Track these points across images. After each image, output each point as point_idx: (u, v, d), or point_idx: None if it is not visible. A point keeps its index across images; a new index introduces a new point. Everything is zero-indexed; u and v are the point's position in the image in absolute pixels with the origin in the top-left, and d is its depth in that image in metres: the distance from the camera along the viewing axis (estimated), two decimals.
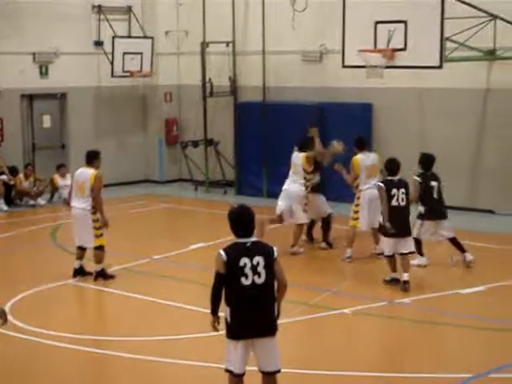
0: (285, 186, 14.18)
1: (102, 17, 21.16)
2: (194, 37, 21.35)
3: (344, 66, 15.56)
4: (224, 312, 7.22)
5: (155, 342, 9.96)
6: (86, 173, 12.49)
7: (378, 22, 14.62)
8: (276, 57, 19.88)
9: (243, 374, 7.27)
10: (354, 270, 13.36)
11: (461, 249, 13.08)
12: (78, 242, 12.70)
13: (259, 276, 7.11)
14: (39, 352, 9.73)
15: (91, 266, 12.67)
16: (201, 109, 20.95)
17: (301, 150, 14.13)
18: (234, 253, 7.14)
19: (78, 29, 20.85)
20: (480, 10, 15.18)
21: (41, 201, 19.22)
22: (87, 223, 12.42)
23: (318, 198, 14.44)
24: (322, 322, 10.86)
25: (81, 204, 12.46)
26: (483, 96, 17.13)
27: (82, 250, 12.69)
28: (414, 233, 12.47)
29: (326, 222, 14.59)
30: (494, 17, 15.54)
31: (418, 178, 12.82)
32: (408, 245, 11.94)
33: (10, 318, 10.33)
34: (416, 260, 12.90)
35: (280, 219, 14.20)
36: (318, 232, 14.79)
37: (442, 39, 14.10)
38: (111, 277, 12.66)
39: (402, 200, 11.88)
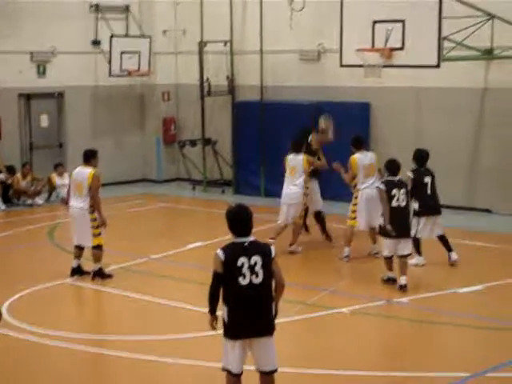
0: (285, 191, 14.15)
1: (100, 16, 21.17)
2: (191, 36, 21.36)
3: (342, 66, 15.55)
4: (222, 311, 7.23)
5: (153, 341, 9.96)
6: (84, 172, 12.49)
7: (375, 22, 14.62)
8: (274, 56, 19.88)
9: (241, 374, 7.27)
10: (351, 270, 13.36)
11: (447, 247, 13.12)
12: (75, 241, 12.69)
13: (257, 276, 7.11)
14: (37, 351, 9.72)
15: (89, 266, 12.66)
16: (198, 108, 20.95)
17: (296, 151, 14.10)
18: (232, 252, 7.13)
19: (76, 28, 20.84)
20: (478, 9, 15.19)
21: (38, 200, 19.21)
22: (85, 222, 12.41)
23: (314, 183, 14.50)
24: (319, 321, 10.87)
25: (79, 203, 12.45)
26: (481, 95, 17.14)
27: (79, 249, 12.68)
28: (412, 232, 12.47)
29: (321, 218, 14.71)
30: (492, 16, 15.55)
31: (411, 174, 12.84)
32: (407, 247, 11.94)
33: (7, 317, 10.38)
34: (414, 259, 12.91)
35: (284, 228, 14.21)
36: (318, 234, 14.81)
37: (440, 38, 14.11)
38: (109, 276, 12.66)
39: (403, 200, 11.88)
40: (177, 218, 18.48)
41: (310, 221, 15.03)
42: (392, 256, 12.02)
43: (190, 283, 12.34)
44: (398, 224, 11.77)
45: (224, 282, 7.15)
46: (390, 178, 12.04)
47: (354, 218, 13.57)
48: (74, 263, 12.73)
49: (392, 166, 12.11)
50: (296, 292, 11.26)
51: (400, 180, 12.06)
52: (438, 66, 14.33)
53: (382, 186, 11.97)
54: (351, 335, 10.34)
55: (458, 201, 17.25)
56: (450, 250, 13.13)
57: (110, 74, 20.71)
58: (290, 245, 14.10)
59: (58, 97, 20.98)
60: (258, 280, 7.12)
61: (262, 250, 7.21)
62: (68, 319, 11.00)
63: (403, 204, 11.90)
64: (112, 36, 20.61)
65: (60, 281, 12.52)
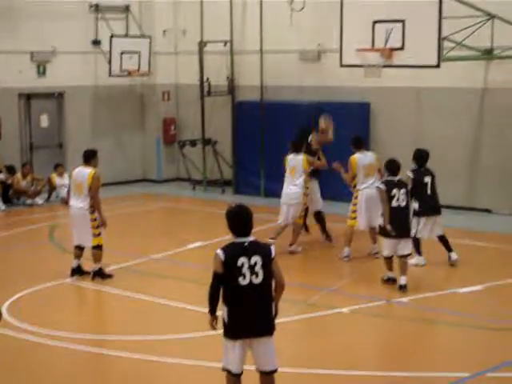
0: (285, 191, 14.15)
1: (100, 16, 21.17)
2: (191, 36, 21.36)
3: (342, 66, 15.53)
4: (222, 311, 7.23)
5: (153, 341, 9.96)
6: (84, 172, 12.49)
7: (375, 22, 14.61)
8: (274, 56, 19.88)
9: (241, 374, 7.27)
10: (351, 269, 13.36)
11: (447, 247, 13.12)
12: (76, 241, 12.69)
13: (257, 276, 7.11)
14: (37, 351, 9.72)
15: (89, 266, 12.66)
16: (198, 108, 20.96)
17: (296, 151, 14.10)
18: (232, 252, 7.13)
19: (76, 28, 20.85)
20: (478, 9, 15.20)
21: (38, 200, 19.22)
22: (85, 222, 12.41)
23: (314, 183, 14.50)
24: (319, 321, 10.87)
25: (79, 203, 12.45)
26: (481, 95, 17.15)
27: (79, 249, 12.68)
28: (412, 232, 12.47)
29: (321, 218, 14.72)
30: (492, 16, 15.55)
31: (411, 174, 12.84)
32: (407, 247, 11.94)
33: (7, 317, 10.37)
34: (414, 259, 12.91)
35: (284, 228, 14.21)
36: (318, 234, 14.81)
37: (440, 38, 14.10)
38: (109, 276, 12.66)
39: (403, 200, 11.88)
40: (177, 218, 18.48)
41: (310, 221, 15.03)
42: (392, 256, 12.01)
43: (189, 283, 12.34)
44: (397, 224, 11.77)
45: (224, 282, 7.14)
46: (390, 178, 12.03)
47: (354, 218, 13.57)
48: (74, 263, 12.73)
49: (392, 166, 12.11)
50: (296, 291, 11.28)
51: (400, 180, 12.06)
52: (437, 66, 14.32)
53: (382, 186, 11.97)
54: (351, 335, 10.34)
55: (458, 201, 17.25)
56: (450, 250, 13.13)
57: (110, 74, 20.71)
58: (290, 245, 14.10)
59: (57, 97, 20.99)
60: (257, 280, 7.11)
61: (262, 250, 7.21)
62: (68, 319, 10.99)
63: (403, 204, 11.90)
64: (112, 36, 20.61)
65: (60, 281, 12.52)
